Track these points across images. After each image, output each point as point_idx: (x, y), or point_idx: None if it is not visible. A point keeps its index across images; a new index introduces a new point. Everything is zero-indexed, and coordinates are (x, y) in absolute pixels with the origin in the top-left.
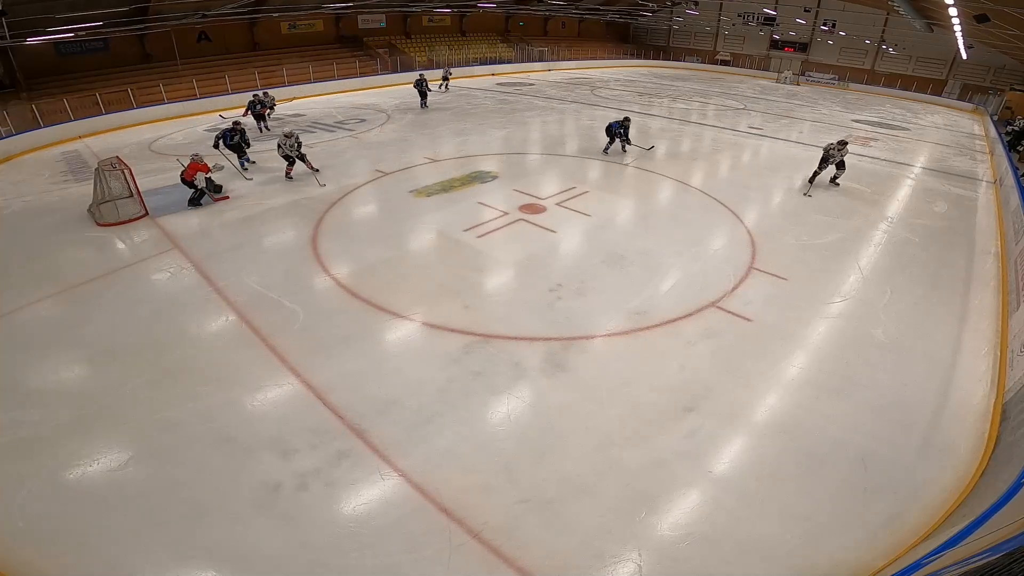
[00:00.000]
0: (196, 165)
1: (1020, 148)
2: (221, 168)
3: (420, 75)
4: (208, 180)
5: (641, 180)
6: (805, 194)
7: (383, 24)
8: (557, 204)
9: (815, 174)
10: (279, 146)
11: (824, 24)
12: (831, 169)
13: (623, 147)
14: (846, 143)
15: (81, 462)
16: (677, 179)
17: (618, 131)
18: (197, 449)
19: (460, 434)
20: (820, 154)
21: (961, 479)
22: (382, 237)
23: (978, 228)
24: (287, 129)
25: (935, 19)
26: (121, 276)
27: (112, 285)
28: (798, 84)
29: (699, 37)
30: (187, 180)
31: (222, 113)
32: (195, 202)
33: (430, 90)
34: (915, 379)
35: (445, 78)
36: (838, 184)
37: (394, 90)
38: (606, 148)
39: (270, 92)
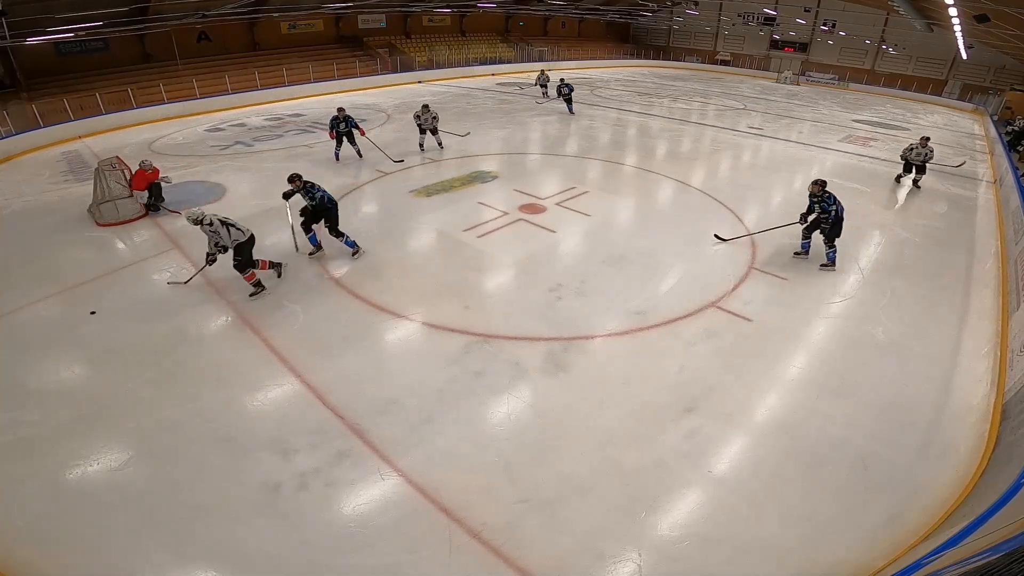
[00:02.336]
0: (143, 174)
1: (1020, 148)
2: (170, 182)
3: (562, 79)
4: (152, 189)
5: (641, 180)
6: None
7: (383, 24)
8: (557, 204)
9: (901, 176)
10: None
11: (824, 24)
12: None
13: None
14: (928, 139)
15: (81, 462)
16: (677, 179)
17: None
18: (197, 449)
19: (460, 434)
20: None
21: (961, 479)
22: (382, 237)
23: (978, 228)
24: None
25: (935, 19)
26: (121, 276)
27: (112, 285)
28: (798, 84)
29: (699, 37)
30: (136, 190)
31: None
32: (153, 208)
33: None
34: (915, 379)
35: (544, 83)
36: (919, 187)
37: (394, 90)
38: None
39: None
